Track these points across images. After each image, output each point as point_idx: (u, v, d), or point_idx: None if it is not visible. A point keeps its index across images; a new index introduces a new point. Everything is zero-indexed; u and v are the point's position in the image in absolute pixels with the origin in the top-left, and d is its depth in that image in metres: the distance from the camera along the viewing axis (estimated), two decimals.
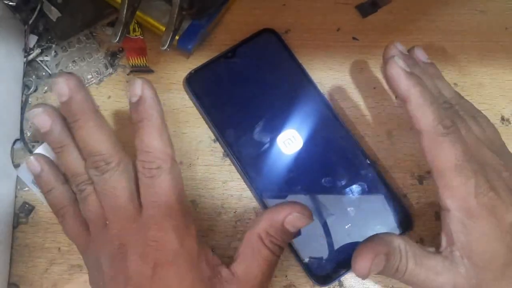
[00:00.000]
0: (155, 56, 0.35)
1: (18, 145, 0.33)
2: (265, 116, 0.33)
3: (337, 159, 0.32)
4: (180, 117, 0.34)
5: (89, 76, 0.35)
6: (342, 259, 0.30)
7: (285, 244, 0.27)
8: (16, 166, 0.33)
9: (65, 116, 0.28)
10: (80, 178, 0.28)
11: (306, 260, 0.30)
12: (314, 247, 0.30)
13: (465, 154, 0.25)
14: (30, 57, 0.35)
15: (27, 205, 0.32)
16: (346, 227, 0.30)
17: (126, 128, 0.34)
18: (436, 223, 0.32)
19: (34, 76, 0.35)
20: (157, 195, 0.26)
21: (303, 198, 0.31)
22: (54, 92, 0.27)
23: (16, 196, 0.33)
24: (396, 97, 0.34)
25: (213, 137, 0.34)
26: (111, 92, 0.35)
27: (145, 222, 0.26)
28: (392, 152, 0.33)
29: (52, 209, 0.29)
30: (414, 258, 0.25)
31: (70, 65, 0.35)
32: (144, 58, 0.35)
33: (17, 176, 0.33)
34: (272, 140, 0.32)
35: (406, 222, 0.31)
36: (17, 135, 0.34)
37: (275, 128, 0.33)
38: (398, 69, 0.26)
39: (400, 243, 0.26)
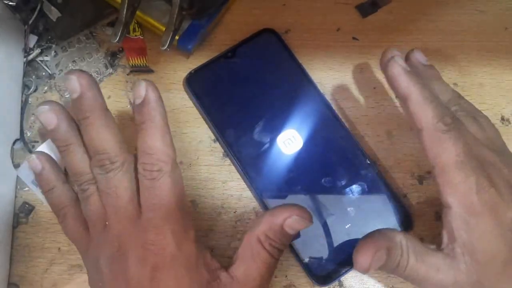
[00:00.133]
0: (155, 56, 0.35)
1: (18, 145, 0.33)
2: (265, 116, 0.33)
3: (337, 159, 0.32)
4: (180, 117, 0.34)
5: None
6: (342, 259, 0.30)
7: (284, 247, 0.27)
8: (16, 166, 0.33)
9: (75, 113, 0.28)
10: (84, 177, 0.28)
11: (306, 260, 0.30)
12: (314, 247, 0.30)
13: (465, 151, 0.25)
14: (30, 57, 0.35)
15: (27, 205, 0.32)
16: (346, 227, 0.30)
17: (126, 128, 0.34)
18: (436, 223, 0.32)
19: (34, 76, 0.35)
20: (157, 197, 0.26)
21: (303, 198, 0.31)
22: (66, 89, 0.27)
23: (16, 196, 0.33)
24: (396, 97, 0.34)
25: (213, 137, 0.34)
26: (111, 92, 0.35)
27: (144, 224, 0.26)
28: (392, 152, 0.33)
29: (52, 209, 0.29)
30: (415, 254, 0.25)
31: (70, 65, 0.35)
32: (144, 58, 0.35)
33: (17, 176, 0.33)
34: (272, 140, 0.32)
35: (406, 222, 0.31)
36: (17, 135, 0.34)
37: (275, 128, 0.33)
38: (398, 68, 0.27)
39: (402, 239, 0.26)
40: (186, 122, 0.34)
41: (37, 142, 0.34)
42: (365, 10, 0.37)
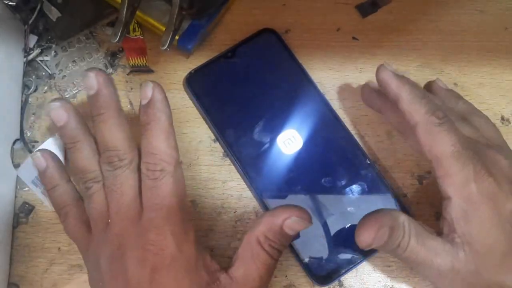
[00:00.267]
0: (155, 56, 0.35)
1: (18, 145, 0.33)
2: (265, 116, 0.33)
3: (337, 159, 0.32)
4: (180, 117, 0.34)
5: None
6: (342, 259, 0.30)
7: (283, 248, 0.27)
8: (16, 166, 0.33)
9: (90, 109, 0.28)
10: (89, 175, 0.28)
11: (306, 260, 0.30)
12: (314, 247, 0.30)
13: (461, 141, 0.26)
14: (30, 57, 0.35)
15: (27, 205, 0.32)
16: (346, 227, 0.30)
17: None
18: (436, 223, 0.32)
19: (34, 76, 0.35)
20: (159, 197, 0.26)
21: (303, 198, 0.31)
22: (83, 86, 0.28)
23: (16, 196, 0.33)
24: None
25: (213, 137, 0.34)
26: None
27: (146, 224, 0.26)
28: (392, 152, 0.33)
29: (55, 207, 0.29)
30: (416, 236, 0.25)
31: (70, 65, 0.35)
32: (144, 58, 0.35)
33: (17, 176, 0.33)
34: (272, 140, 0.32)
35: None
36: (17, 135, 0.34)
37: (275, 128, 0.33)
38: (388, 71, 0.28)
39: (405, 220, 0.26)
40: (186, 122, 0.34)
41: (37, 142, 0.34)
42: (365, 10, 0.37)
